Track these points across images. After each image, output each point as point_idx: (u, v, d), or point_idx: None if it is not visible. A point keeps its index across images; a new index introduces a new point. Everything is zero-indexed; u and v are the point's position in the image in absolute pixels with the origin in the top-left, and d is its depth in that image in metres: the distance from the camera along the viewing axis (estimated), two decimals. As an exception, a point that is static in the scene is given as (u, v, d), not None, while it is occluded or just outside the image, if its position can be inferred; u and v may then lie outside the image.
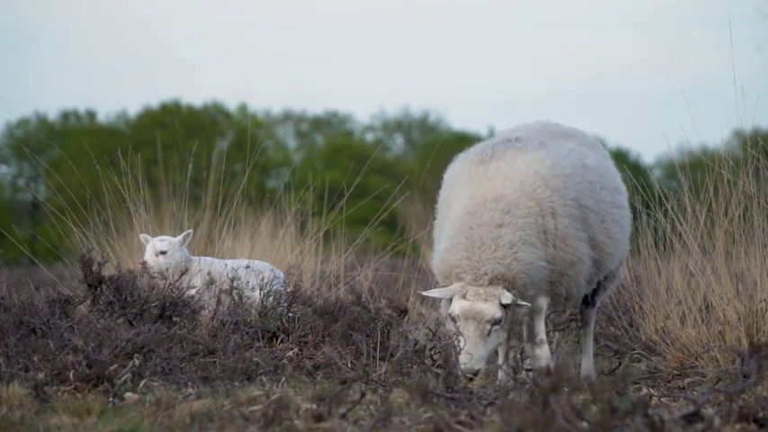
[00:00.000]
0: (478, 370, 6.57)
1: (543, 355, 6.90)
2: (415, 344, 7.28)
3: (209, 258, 8.35)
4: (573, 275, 6.93)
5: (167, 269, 8.03)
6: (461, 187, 6.97)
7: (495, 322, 6.64)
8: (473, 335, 6.62)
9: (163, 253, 8.08)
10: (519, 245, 6.71)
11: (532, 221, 6.77)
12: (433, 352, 7.27)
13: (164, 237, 8.22)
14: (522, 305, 6.69)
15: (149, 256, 8.08)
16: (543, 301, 6.95)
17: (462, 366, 6.52)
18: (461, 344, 6.61)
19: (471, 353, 6.59)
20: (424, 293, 6.84)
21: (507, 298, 6.65)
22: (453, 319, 6.69)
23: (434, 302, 10.48)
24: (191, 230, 8.34)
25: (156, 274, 7.96)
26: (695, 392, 6.27)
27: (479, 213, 6.76)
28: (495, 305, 6.63)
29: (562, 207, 6.85)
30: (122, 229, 9.89)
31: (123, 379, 6.26)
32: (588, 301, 7.64)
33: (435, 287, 6.90)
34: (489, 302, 6.64)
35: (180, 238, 8.19)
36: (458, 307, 6.68)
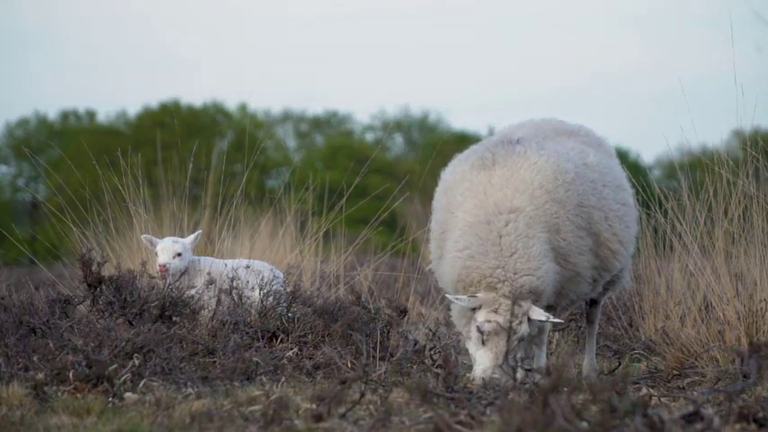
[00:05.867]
0: (496, 377, 6.51)
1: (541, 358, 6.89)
2: (415, 344, 7.28)
3: (208, 258, 8.33)
4: (573, 287, 6.91)
5: (176, 271, 7.97)
6: (463, 194, 6.87)
7: (523, 338, 6.60)
8: (501, 350, 6.56)
9: (179, 255, 8.01)
10: (543, 257, 6.65)
11: (547, 237, 6.73)
12: (432, 352, 7.27)
13: (176, 238, 8.13)
14: (555, 321, 6.66)
15: (167, 259, 8.00)
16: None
17: (483, 376, 6.46)
18: (483, 356, 6.55)
19: (494, 365, 6.52)
20: (451, 298, 6.66)
21: (539, 314, 6.57)
22: (481, 331, 6.59)
23: (434, 302, 10.49)
24: (200, 231, 8.31)
25: (164, 276, 7.91)
26: (695, 392, 6.27)
27: (498, 222, 6.64)
28: (526, 322, 6.59)
29: (565, 221, 6.79)
30: (122, 229, 9.88)
31: (123, 379, 6.26)
32: (592, 301, 7.61)
33: (462, 294, 6.74)
34: (522, 321, 6.57)
35: (191, 238, 8.13)
36: (490, 324, 6.57)
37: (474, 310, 6.62)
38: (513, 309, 6.53)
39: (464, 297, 6.63)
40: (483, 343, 6.56)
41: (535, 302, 6.61)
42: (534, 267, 6.60)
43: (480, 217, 6.71)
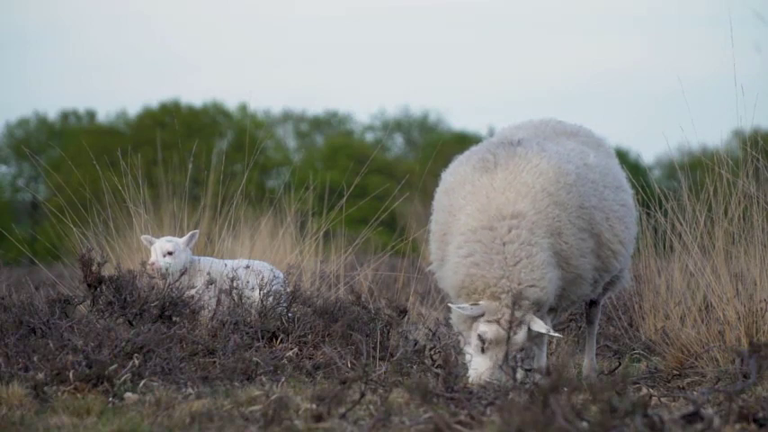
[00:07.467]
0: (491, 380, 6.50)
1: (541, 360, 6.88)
2: (415, 344, 7.28)
3: (209, 258, 8.34)
4: (574, 289, 6.89)
5: (172, 270, 8.00)
6: (465, 197, 6.82)
7: (522, 347, 6.59)
8: (500, 359, 6.53)
9: (170, 254, 8.05)
10: (546, 266, 6.61)
11: (549, 243, 6.70)
12: (432, 352, 7.27)
13: (170, 237, 8.18)
14: (555, 336, 6.64)
15: (156, 257, 8.03)
16: (547, 320, 6.88)
17: (477, 381, 6.44)
18: (480, 362, 6.54)
19: (491, 373, 6.50)
20: (453, 307, 6.62)
21: (540, 326, 6.54)
22: (482, 340, 6.54)
23: (434, 302, 10.49)
24: (196, 231, 8.32)
25: (162, 276, 7.93)
26: (695, 392, 6.27)
27: (501, 229, 6.60)
28: (525, 333, 6.54)
29: (567, 224, 6.76)
30: (122, 229, 9.89)
31: (123, 379, 6.26)
32: (591, 302, 7.60)
33: (461, 302, 6.67)
34: (522, 331, 6.53)
35: (186, 238, 8.16)
36: (492, 332, 6.52)
37: (475, 317, 6.60)
38: (513, 313, 6.50)
39: (467, 306, 6.59)
40: (483, 350, 6.54)
41: (537, 311, 6.58)
42: (538, 277, 6.56)
43: (483, 222, 6.67)
